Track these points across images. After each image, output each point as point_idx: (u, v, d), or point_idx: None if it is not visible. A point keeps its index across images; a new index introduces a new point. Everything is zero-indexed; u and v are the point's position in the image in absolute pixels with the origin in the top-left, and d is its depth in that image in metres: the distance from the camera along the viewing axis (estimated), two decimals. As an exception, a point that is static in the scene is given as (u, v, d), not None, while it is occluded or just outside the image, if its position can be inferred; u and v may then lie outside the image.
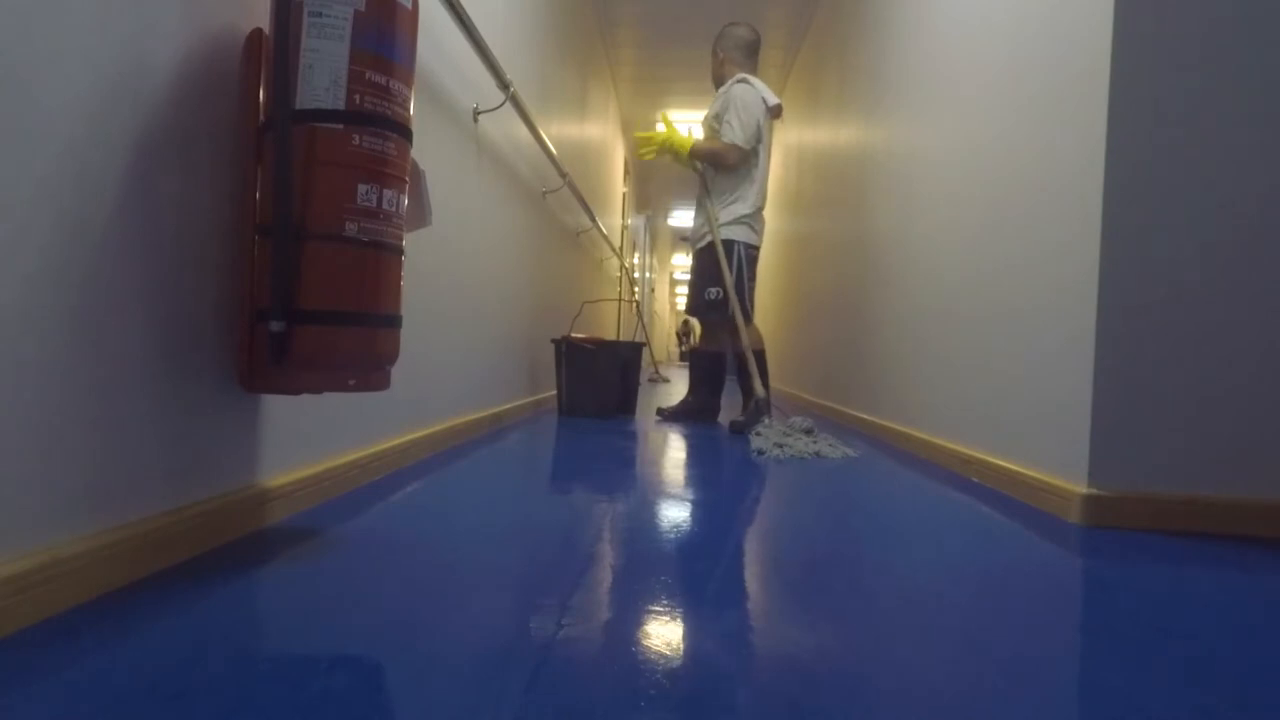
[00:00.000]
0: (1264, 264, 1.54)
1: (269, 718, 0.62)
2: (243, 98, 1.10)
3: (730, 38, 3.36)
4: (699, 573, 1.11)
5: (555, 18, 3.75)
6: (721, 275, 3.16)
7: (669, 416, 3.42)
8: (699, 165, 3.25)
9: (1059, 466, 1.67)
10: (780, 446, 2.48)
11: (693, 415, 3.42)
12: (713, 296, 3.20)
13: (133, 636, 0.76)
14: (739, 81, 3.24)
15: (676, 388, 5.86)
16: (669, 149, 3.25)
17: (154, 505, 0.96)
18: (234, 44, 1.09)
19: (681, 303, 23.52)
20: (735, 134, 3.12)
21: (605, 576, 1.06)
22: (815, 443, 2.55)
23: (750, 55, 3.37)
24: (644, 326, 5.94)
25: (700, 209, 3.29)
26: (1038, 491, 1.72)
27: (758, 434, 2.72)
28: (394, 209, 1.07)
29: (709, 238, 3.23)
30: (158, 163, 0.94)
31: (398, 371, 1.72)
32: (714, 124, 3.23)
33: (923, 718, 0.69)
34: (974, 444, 2.13)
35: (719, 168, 3.20)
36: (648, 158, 3.31)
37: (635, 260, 10.55)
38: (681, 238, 13.68)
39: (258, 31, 1.10)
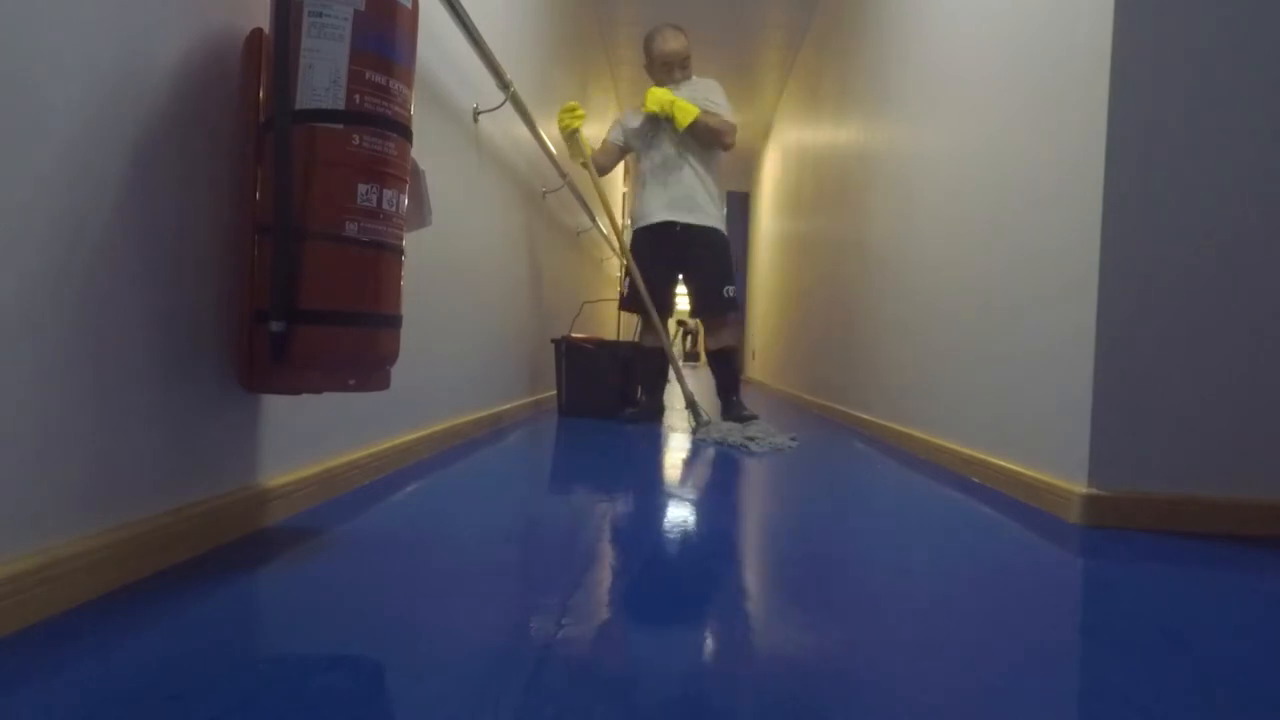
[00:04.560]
0: (1264, 263, 1.54)
1: (269, 718, 0.62)
2: (243, 98, 1.10)
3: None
4: (699, 572, 1.11)
5: (555, 18, 3.75)
6: (732, 270, 3.14)
7: (631, 419, 3.20)
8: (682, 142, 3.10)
9: (1059, 466, 1.67)
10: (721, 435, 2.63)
11: (654, 416, 3.30)
12: (730, 294, 3.12)
13: (132, 636, 0.76)
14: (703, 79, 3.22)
15: (676, 388, 5.84)
16: (668, 110, 3.03)
17: (154, 505, 0.96)
18: (234, 44, 1.09)
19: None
20: (726, 114, 3.11)
21: (605, 576, 1.06)
22: (751, 433, 2.64)
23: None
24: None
25: (699, 183, 3.11)
26: (1038, 491, 1.71)
27: (705, 426, 2.83)
28: (394, 209, 1.07)
29: (717, 224, 3.13)
30: (158, 162, 0.94)
31: (398, 371, 1.72)
32: (707, 105, 3.11)
33: (922, 718, 0.69)
34: (974, 444, 2.13)
35: (710, 149, 3.14)
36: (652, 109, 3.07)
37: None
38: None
39: (258, 31, 1.10)
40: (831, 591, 1.07)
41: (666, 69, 3.16)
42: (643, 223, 3.22)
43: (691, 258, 3.15)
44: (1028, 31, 1.93)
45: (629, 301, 3.23)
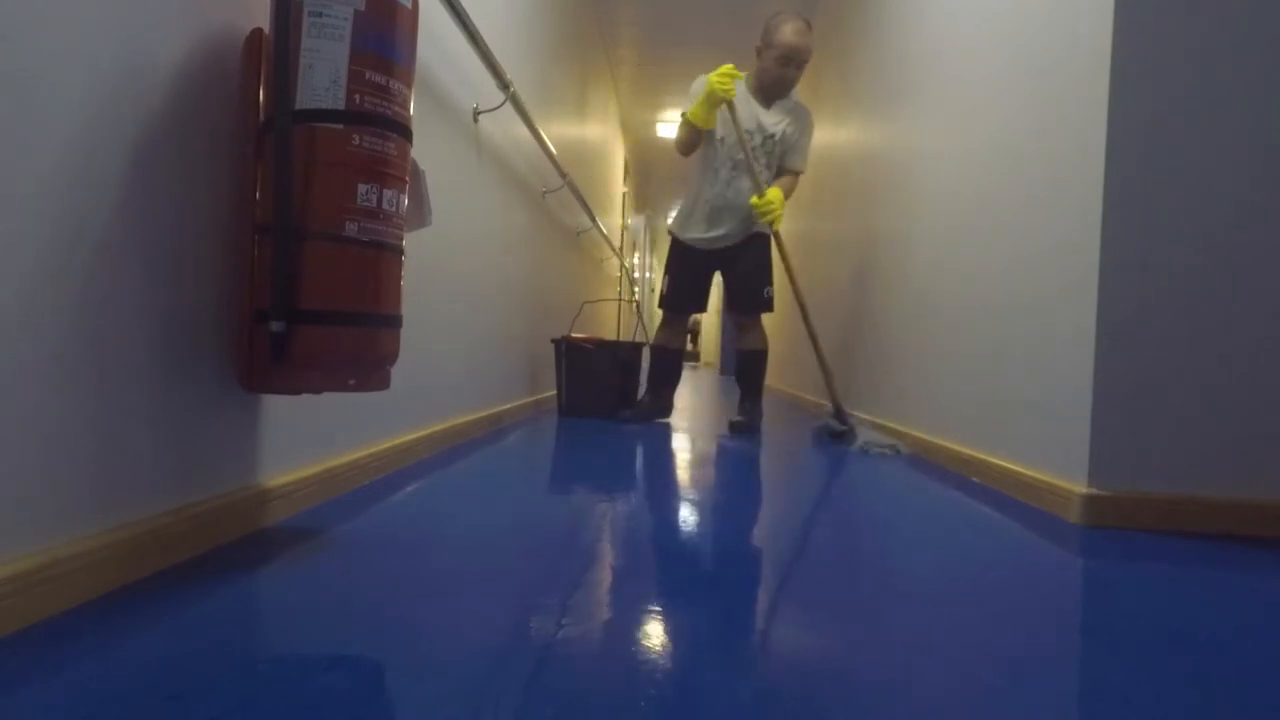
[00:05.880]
0: (1264, 263, 1.54)
1: (269, 718, 0.62)
2: (243, 98, 1.10)
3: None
4: (698, 572, 1.11)
5: (555, 18, 3.75)
6: (773, 272, 3.06)
7: (630, 419, 3.18)
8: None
9: (1059, 466, 1.67)
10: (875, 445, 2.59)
11: (654, 416, 3.26)
12: (769, 294, 3.04)
13: (133, 637, 0.76)
14: (801, 104, 3.07)
15: (684, 388, 5.84)
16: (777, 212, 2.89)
17: (154, 505, 0.96)
18: (234, 44, 1.09)
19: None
20: (806, 164, 3.04)
21: (605, 576, 1.06)
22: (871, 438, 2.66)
23: None
24: (644, 326, 5.94)
25: (748, 201, 2.94)
26: (1038, 491, 1.71)
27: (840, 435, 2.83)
28: (394, 209, 1.07)
29: (758, 229, 3.00)
30: (158, 162, 0.94)
31: (398, 371, 1.72)
32: (787, 141, 2.97)
33: (922, 718, 0.69)
34: (974, 444, 2.13)
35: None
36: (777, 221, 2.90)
37: (635, 260, 10.55)
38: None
39: (258, 31, 1.10)
40: (831, 591, 1.07)
41: (783, 64, 2.89)
42: (689, 234, 3.11)
43: (734, 259, 3.07)
44: (1028, 31, 1.93)
45: (667, 301, 3.19)
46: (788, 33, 2.88)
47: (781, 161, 3.02)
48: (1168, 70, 1.55)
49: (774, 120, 2.98)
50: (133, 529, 0.90)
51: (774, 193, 2.87)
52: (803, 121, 3.03)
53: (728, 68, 2.80)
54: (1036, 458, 1.78)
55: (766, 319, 3.17)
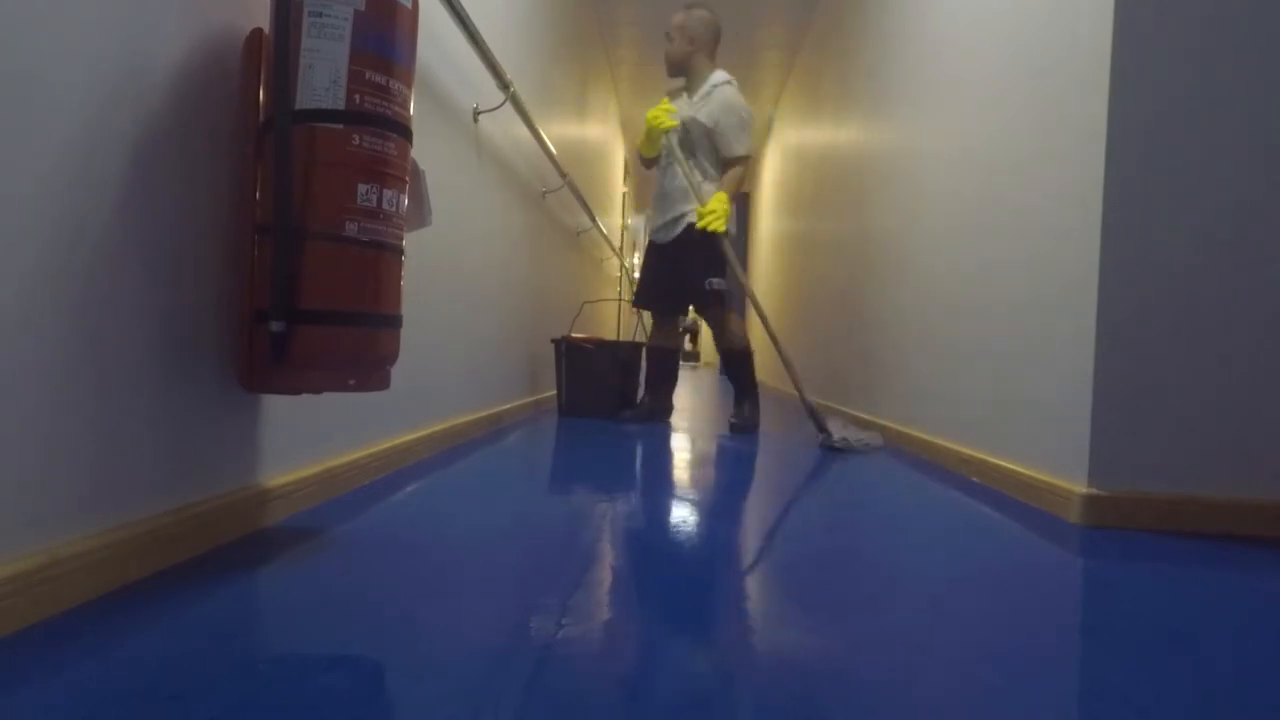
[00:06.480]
0: (1264, 263, 1.54)
1: (269, 718, 0.62)
2: (243, 98, 1.10)
3: (703, 23, 3.11)
4: (698, 572, 1.11)
5: (555, 18, 3.75)
6: (724, 265, 3.00)
7: (629, 420, 3.20)
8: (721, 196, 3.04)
9: (1059, 466, 1.67)
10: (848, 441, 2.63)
11: (655, 417, 3.25)
12: (716, 286, 3.02)
13: (133, 637, 0.76)
14: (728, 83, 3.08)
15: (682, 389, 5.84)
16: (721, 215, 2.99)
17: (154, 505, 0.96)
18: (234, 44, 1.09)
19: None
20: (746, 145, 3.05)
21: (605, 576, 1.06)
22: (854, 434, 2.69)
23: (716, 47, 3.19)
24: (643, 326, 5.94)
25: (682, 188, 3.05)
26: (1038, 491, 1.71)
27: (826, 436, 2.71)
28: (394, 209, 1.07)
29: (692, 219, 3.02)
30: (158, 162, 0.94)
31: (398, 371, 1.72)
32: (709, 127, 3.02)
33: (922, 718, 0.69)
34: (974, 444, 2.13)
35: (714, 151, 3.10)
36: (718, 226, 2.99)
37: (635, 260, 10.54)
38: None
39: (258, 31, 1.10)
40: (832, 592, 1.07)
41: (667, 38, 3.18)
42: (649, 229, 3.31)
43: (677, 255, 3.12)
44: (1028, 31, 1.93)
45: (636, 298, 3.32)
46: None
47: (720, 151, 3.07)
48: (1168, 70, 1.55)
49: (690, 106, 3.11)
50: (133, 529, 0.90)
51: (715, 200, 2.97)
52: (722, 101, 3.04)
53: (663, 102, 3.12)
54: (1036, 458, 1.78)
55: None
